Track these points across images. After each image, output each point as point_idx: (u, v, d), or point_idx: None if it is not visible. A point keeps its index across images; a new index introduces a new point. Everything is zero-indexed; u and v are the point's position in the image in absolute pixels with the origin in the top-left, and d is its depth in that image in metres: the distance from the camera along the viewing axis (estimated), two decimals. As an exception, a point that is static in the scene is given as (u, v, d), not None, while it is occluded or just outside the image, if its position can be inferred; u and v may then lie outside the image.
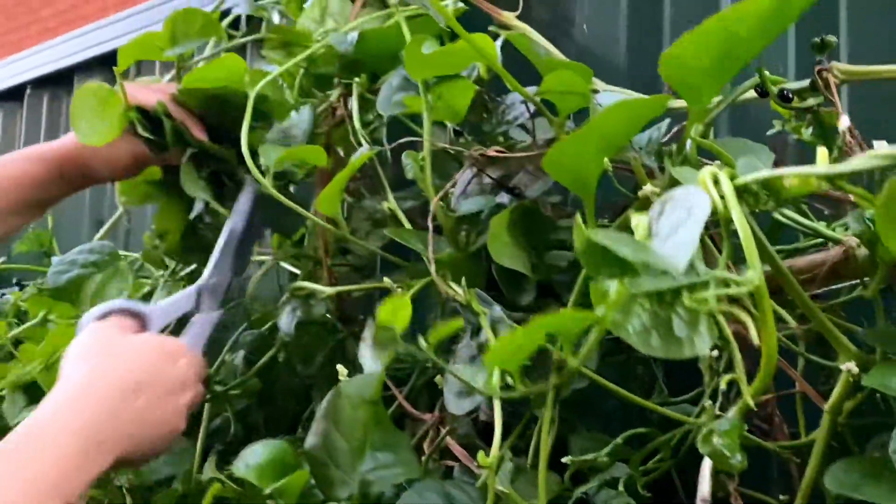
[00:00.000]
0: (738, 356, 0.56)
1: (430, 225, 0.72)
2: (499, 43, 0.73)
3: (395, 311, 0.66)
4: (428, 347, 0.64)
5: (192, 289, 0.87)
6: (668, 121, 0.70)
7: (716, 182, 0.50)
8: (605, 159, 0.61)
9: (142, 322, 0.81)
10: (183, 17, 0.90)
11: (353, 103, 0.84)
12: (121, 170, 0.97)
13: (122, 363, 0.74)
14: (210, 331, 0.86)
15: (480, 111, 0.80)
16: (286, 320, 0.89)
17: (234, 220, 0.90)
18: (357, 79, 0.84)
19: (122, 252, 1.12)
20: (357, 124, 0.81)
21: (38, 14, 5.32)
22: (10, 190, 0.97)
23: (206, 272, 0.88)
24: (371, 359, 0.66)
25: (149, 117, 0.92)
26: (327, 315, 0.97)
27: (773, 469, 0.76)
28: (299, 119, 0.86)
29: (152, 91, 0.93)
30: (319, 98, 0.91)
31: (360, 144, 0.82)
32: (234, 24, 1.06)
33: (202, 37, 0.90)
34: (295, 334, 0.90)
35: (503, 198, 0.77)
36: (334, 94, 0.89)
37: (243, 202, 0.91)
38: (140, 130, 0.91)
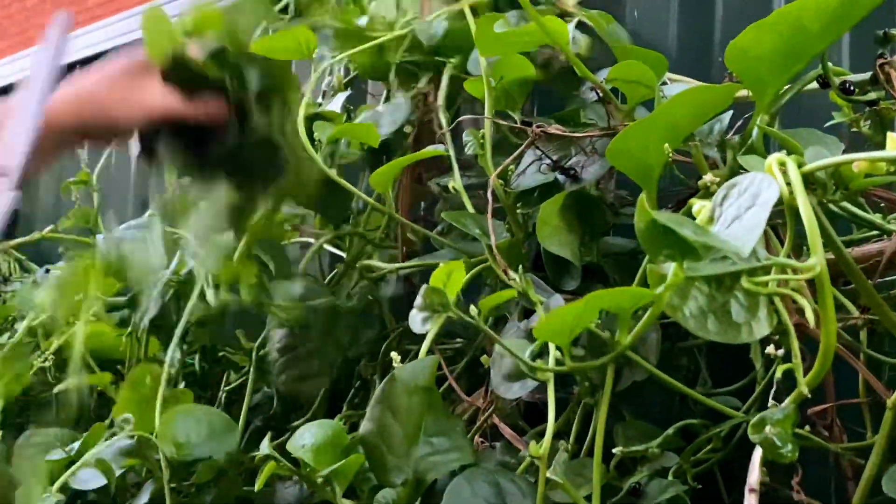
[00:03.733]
0: (795, 344, 0.55)
1: (490, 207, 0.72)
2: (572, 26, 0.73)
3: (449, 275, 0.66)
4: (479, 317, 0.64)
5: None
6: (730, 112, 0.69)
7: (783, 169, 0.50)
8: (667, 148, 0.60)
9: None
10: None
11: (443, 85, 0.84)
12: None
13: None
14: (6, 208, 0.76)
15: (574, 88, 0.80)
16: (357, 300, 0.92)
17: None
18: (452, 60, 0.84)
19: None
20: (441, 101, 0.82)
21: (83, 3, 5.41)
22: None
23: None
24: (421, 322, 0.66)
25: None
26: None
27: (830, 474, 0.75)
28: (393, 107, 0.86)
29: None
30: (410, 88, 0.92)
31: (439, 127, 0.82)
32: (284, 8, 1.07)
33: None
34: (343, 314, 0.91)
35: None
36: (423, 80, 0.89)
37: None
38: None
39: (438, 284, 0.66)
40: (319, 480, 0.71)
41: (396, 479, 0.69)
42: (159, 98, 0.78)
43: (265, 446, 0.76)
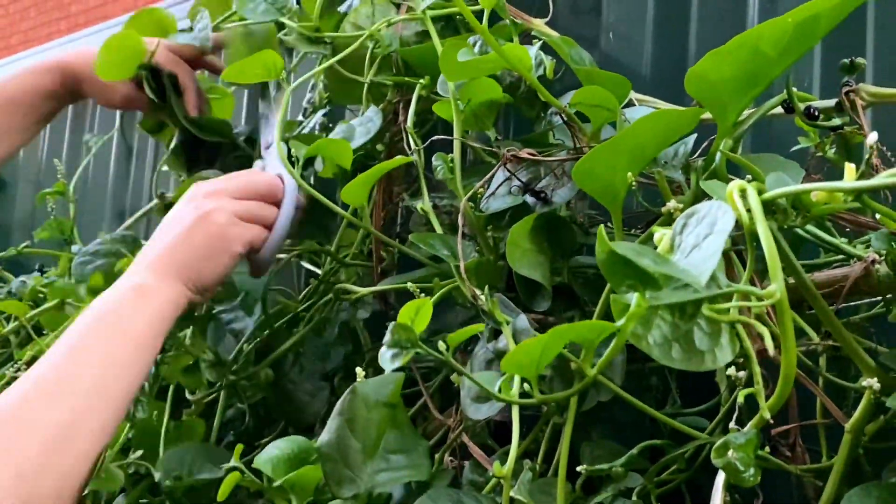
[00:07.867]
0: (756, 369, 0.56)
1: (461, 229, 0.72)
2: (533, 51, 0.74)
3: (416, 311, 0.67)
4: (447, 353, 0.65)
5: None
6: (695, 136, 0.70)
7: (743, 196, 0.51)
8: (630, 173, 0.61)
9: None
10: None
11: (412, 105, 0.85)
12: (109, 102, 1.06)
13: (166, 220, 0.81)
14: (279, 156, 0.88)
15: (538, 111, 0.81)
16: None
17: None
18: (421, 80, 0.85)
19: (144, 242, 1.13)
20: (410, 123, 0.82)
21: (67, 10, 5.41)
22: (26, 103, 1.03)
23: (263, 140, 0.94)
24: (390, 360, 0.67)
25: (158, 78, 1.01)
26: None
27: (793, 494, 0.76)
28: (366, 119, 0.87)
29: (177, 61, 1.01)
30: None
31: (408, 146, 0.83)
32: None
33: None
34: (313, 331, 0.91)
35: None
36: (391, 92, 0.91)
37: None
38: (147, 91, 1.00)
39: (406, 321, 0.66)
40: (277, 492, 0.72)
41: (347, 492, 0.70)
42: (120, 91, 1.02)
43: (232, 458, 0.76)
